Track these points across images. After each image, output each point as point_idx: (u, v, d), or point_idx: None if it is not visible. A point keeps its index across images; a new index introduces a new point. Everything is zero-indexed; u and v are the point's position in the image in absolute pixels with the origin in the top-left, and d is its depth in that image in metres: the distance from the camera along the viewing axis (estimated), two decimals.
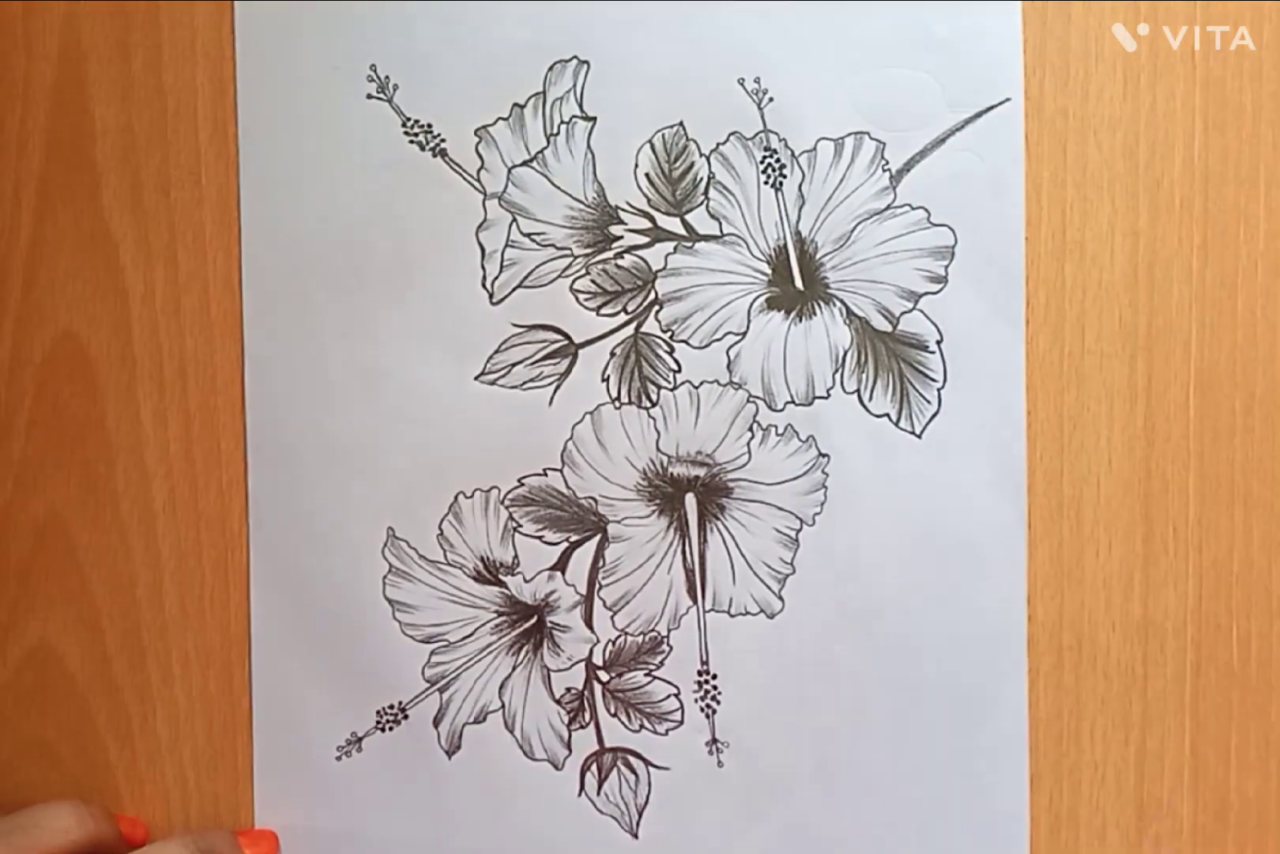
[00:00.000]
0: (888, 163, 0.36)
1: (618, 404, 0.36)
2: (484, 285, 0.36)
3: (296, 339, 0.37)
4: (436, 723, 0.37)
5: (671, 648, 0.37)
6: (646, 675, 0.37)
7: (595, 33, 0.36)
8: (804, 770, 0.36)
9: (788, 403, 0.36)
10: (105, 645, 0.37)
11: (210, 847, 0.34)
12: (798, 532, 0.36)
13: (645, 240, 0.36)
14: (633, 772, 0.37)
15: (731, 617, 0.36)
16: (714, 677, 0.36)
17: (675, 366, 0.36)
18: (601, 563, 0.37)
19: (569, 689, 0.37)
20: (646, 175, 0.36)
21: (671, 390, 0.36)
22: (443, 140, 0.36)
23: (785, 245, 0.36)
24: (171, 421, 0.37)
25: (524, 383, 0.36)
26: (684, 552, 0.36)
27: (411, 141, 0.36)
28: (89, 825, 0.34)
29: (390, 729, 0.37)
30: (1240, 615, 0.36)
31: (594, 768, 0.37)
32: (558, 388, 0.36)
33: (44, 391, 0.37)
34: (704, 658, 0.36)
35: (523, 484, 0.37)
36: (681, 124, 0.36)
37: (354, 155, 0.36)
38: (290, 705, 0.37)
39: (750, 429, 0.36)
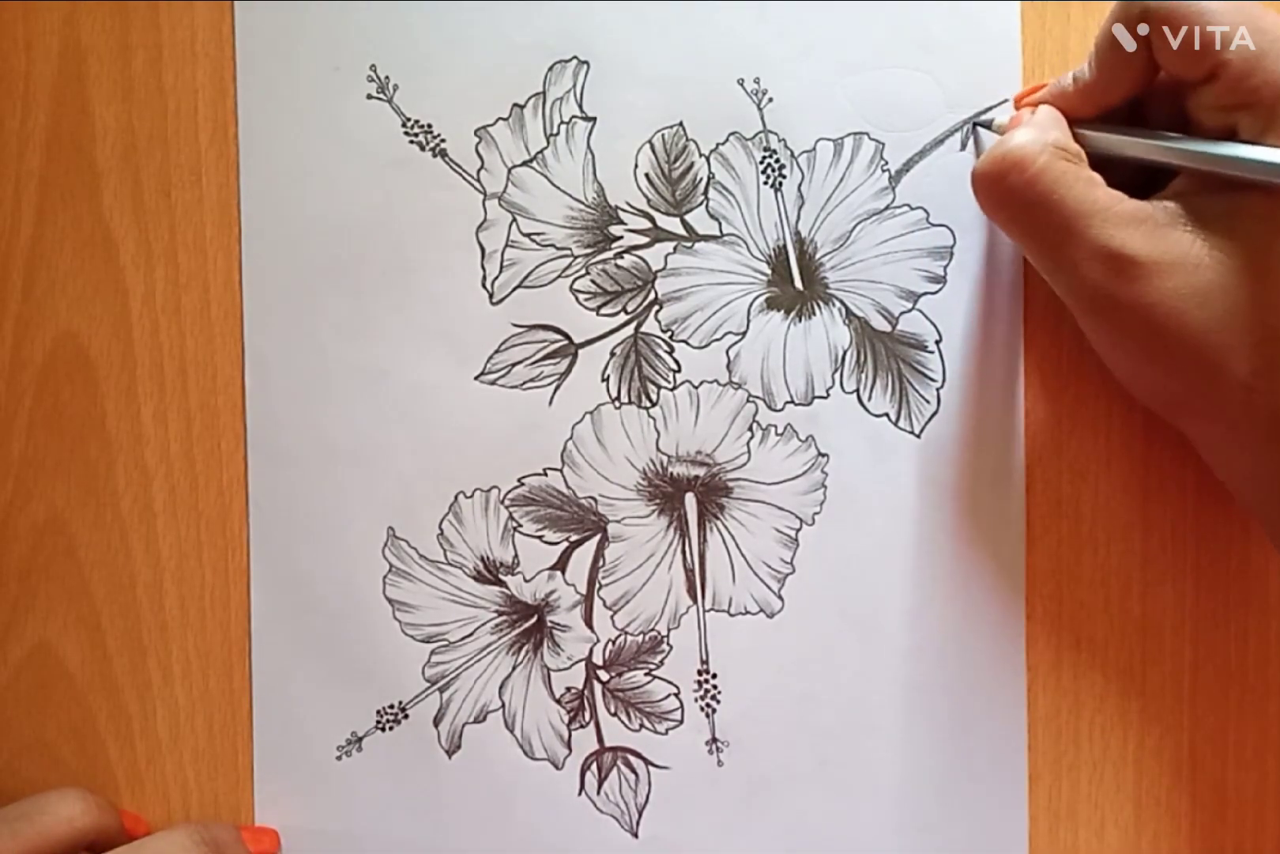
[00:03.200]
0: (887, 163, 0.36)
1: (618, 404, 0.36)
2: (484, 285, 0.36)
3: (296, 339, 0.37)
4: (436, 723, 0.37)
5: (671, 647, 0.37)
6: (646, 675, 0.37)
7: (595, 33, 0.36)
8: (804, 770, 0.36)
9: (787, 403, 0.36)
10: (105, 645, 0.37)
11: (214, 837, 0.34)
12: (797, 531, 0.36)
13: (645, 240, 0.36)
14: (633, 771, 0.37)
15: (731, 616, 0.36)
16: (714, 676, 0.36)
17: (675, 366, 0.36)
18: (601, 562, 0.37)
19: (569, 689, 0.37)
20: (646, 175, 0.36)
21: (671, 390, 0.36)
22: (443, 140, 0.36)
23: (785, 245, 0.36)
24: (171, 422, 0.37)
25: (524, 383, 0.36)
26: (684, 551, 0.36)
27: (411, 141, 0.36)
28: (94, 814, 0.34)
29: (390, 729, 0.37)
30: (1238, 613, 0.36)
31: (594, 767, 0.37)
32: (558, 388, 0.36)
33: (44, 392, 0.37)
34: (704, 657, 0.37)
35: (523, 484, 0.37)
36: (681, 124, 0.36)
37: (354, 155, 0.36)
38: (290, 705, 0.37)
39: (750, 429, 0.36)
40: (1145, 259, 0.30)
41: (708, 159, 0.36)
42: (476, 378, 0.36)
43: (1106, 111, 0.32)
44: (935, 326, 0.36)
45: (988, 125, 0.35)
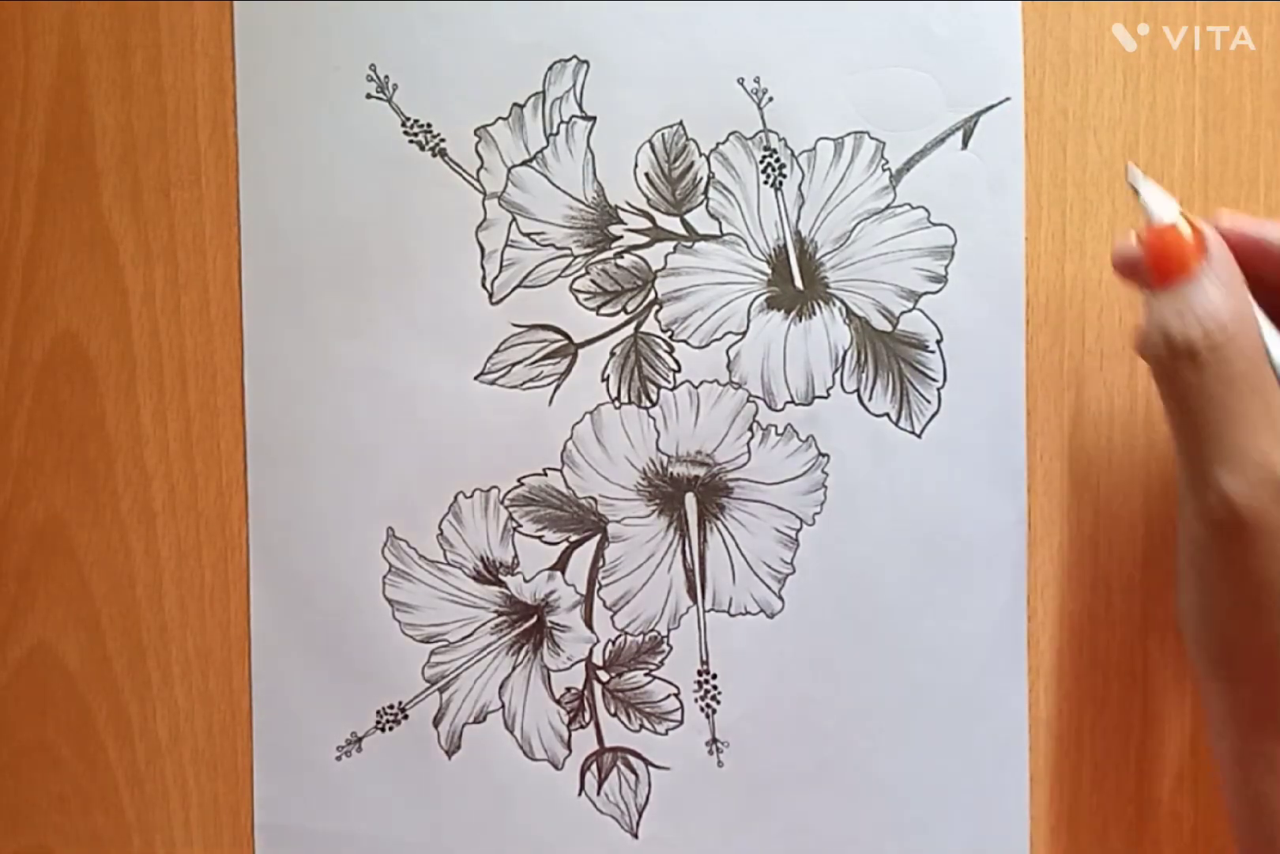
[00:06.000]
0: (887, 162, 0.36)
1: (618, 404, 0.36)
2: (484, 285, 0.36)
3: (296, 339, 0.37)
4: (436, 723, 0.37)
5: (671, 648, 0.37)
6: (646, 675, 0.37)
7: (595, 33, 0.36)
8: (804, 770, 0.36)
9: (787, 402, 0.36)
10: (105, 645, 0.37)
11: None
12: (798, 531, 0.36)
13: (645, 240, 0.36)
14: (633, 772, 0.37)
15: (731, 616, 0.36)
16: (714, 677, 0.36)
17: (675, 366, 0.36)
18: (601, 563, 0.37)
19: (569, 689, 0.37)
20: (646, 175, 0.36)
21: (671, 390, 0.36)
22: (443, 140, 0.36)
23: (785, 245, 0.36)
24: (171, 422, 0.37)
25: (524, 383, 0.36)
26: (684, 551, 0.36)
27: (411, 141, 0.36)
28: None
29: (390, 729, 0.37)
30: None
31: (594, 768, 0.37)
32: (558, 388, 0.36)
33: (44, 391, 0.37)
34: (704, 658, 0.36)
35: (523, 484, 0.37)
36: (681, 124, 0.36)
37: (354, 155, 0.36)
38: (290, 705, 0.37)
39: (750, 429, 0.36)
40: None
41: (708, 158, 0.36)
42: (476, 378, 0.36)
43: None
44: (936, 326, 0.36)
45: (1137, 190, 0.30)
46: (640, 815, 0.37)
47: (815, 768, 0.36)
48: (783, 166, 0.36)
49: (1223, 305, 0.26)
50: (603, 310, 0.36)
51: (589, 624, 0.37)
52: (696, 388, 0.36)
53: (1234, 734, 0.28)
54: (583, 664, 0.37)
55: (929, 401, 0.36)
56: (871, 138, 0.36)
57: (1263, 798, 0.28)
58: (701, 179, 0.36)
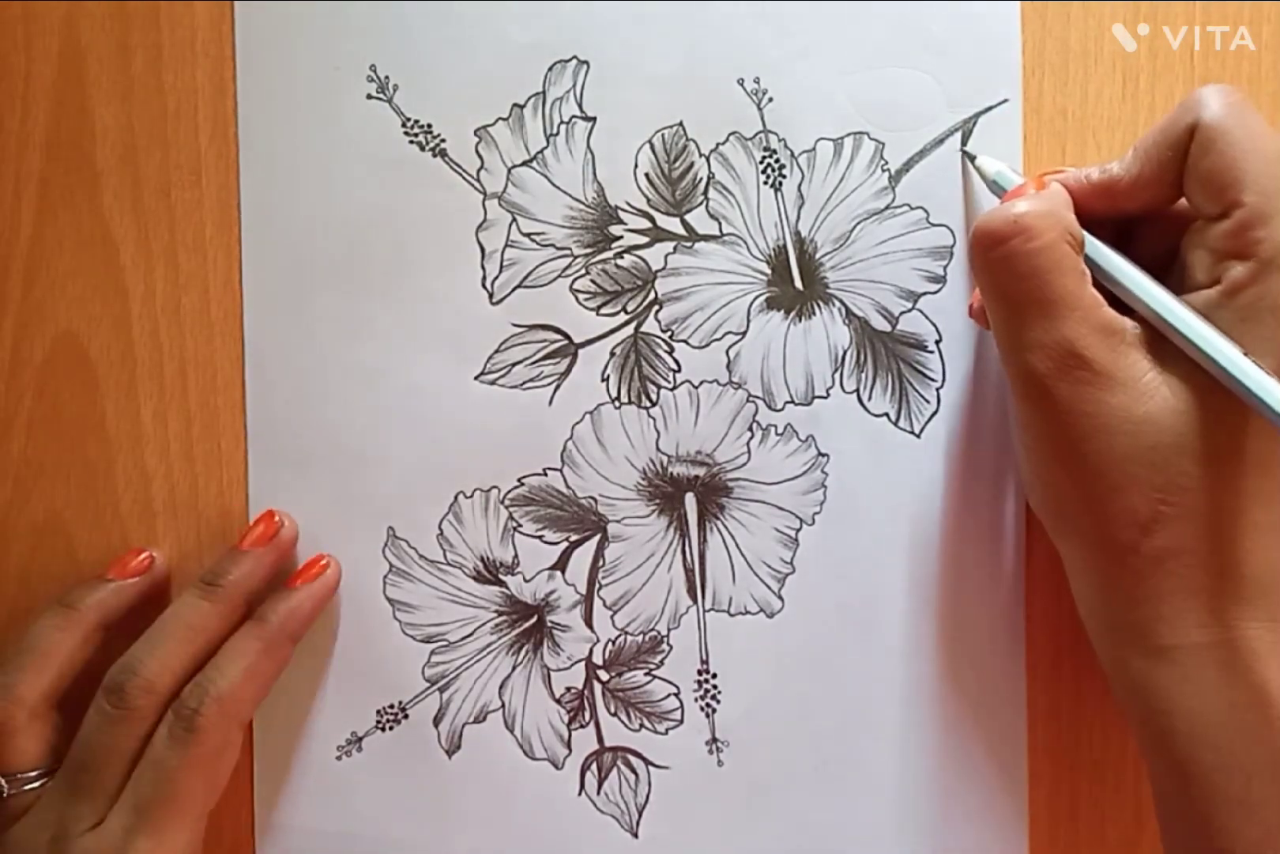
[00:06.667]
0: (887, 163, 0.36)
1: (618, 404, 0.36)
2: (484, 285, 0.36)
3: (296, 339, 0.37)
4: (436, 723, 0.37)
5: (671, 647, 0.37)
6: (646, 675, 0.37)
7: (595, 33, 0.36)
8: (804, 770, 0.36)
9: (787, 402, 0.36)
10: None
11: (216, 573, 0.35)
12: (798, 531, 0.36)
13: (645, 240, 0.36)
14: (633, 771, 0.37)
15: (731, 616, 0.36)
16: (714, 676, 0.36)
17: (675, 366, 0.36)
18: (601, 562, 0.37)
19: (569, 689, 0.37)
20: (646, 175, 0.36)
21: (671, 390, 0.36)
22: (443, 140, 0.36)
23: (785, 245, 0.36)
24: (171, 421, 0.37)
25: (524, 383, 0.36)
26: (684, 551, 0.36)
27: (411, 141, 0.36)
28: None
29: (390, 729, 0.37)
30: None
31: (594, 767, 0.37)
32: (558, 388, 0.36)
33: (44, 391, 0.37)
34: (704, 657, 0.37)
35: (523, 484, 0.37)
36: (681, 124, 0.36)
37: (354, 155, 0.36)
38: (290, 705, 0.37)
39: (750, 429, 0.36)
40: (1100, 368, 0.29)
41: (708, 159, 0.36)
42: (476, 378, 0.36)
43: (1115, 216, 0.32)
44: (935, 326, 0.36)
45: (973, 157, 0.35)
46: (640, 815, 0.37)
47: (815, 767, 0.36)
48: (782, 167, 0.36)
49: (1031, 207, 0.30)
50: (603, 310, 0.36)
51: (589, 624, 0.37)
52: (696, 388, 0.36)
53: (1099, 605, 0.32)
54: (583, 664, 0.37)
55: (928, 402, 0.36)
56: (871, 138, 0.36)
57: (1129, 668, 0.31)
58: (701, 179, 0.36)
